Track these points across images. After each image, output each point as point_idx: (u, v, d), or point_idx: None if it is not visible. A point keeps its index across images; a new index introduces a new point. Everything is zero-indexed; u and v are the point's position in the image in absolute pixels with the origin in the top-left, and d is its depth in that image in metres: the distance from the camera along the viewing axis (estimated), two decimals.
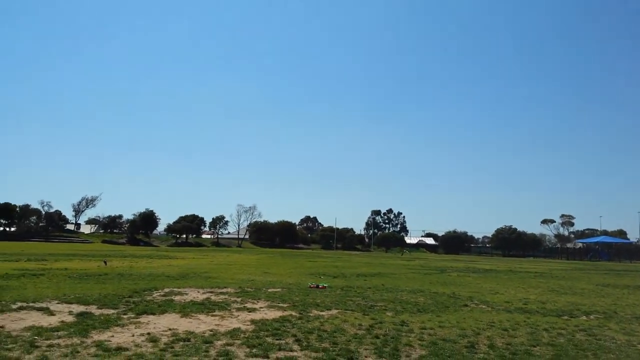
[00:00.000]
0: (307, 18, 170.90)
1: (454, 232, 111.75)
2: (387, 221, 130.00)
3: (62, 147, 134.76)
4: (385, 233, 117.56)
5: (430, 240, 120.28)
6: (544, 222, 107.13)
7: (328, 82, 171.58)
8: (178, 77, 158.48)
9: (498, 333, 7.84)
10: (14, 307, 8.61)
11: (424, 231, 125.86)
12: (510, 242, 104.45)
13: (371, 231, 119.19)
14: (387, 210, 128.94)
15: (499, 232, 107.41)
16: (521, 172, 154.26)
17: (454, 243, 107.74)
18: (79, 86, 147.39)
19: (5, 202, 76.41)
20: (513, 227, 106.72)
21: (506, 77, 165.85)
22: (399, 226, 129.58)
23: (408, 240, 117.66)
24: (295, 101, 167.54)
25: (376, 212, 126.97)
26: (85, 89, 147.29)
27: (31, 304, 8.99)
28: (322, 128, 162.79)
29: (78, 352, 5.56)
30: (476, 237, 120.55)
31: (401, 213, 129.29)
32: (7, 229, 77.35)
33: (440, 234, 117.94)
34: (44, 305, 8.95)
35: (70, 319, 7.69)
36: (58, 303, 9.31)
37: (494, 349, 6.61)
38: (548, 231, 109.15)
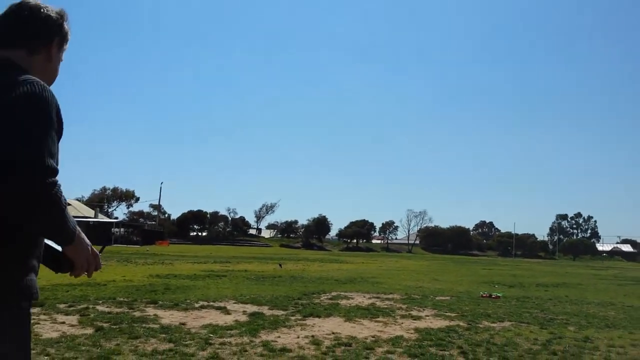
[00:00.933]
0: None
1: None
2: (574, 226, 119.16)
3: (247, 159, 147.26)
4: (572, 239, 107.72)
5: (627, 247, 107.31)
6: None
7: (500, 76, 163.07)
8: (344, 80, 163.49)
9: None
10: (197, 305, 9.41)
11: (619, 237, 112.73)
12: None
13: (556, 237, 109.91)
14: (575, 214, 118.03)
15: None
16: None
17: None
18: (258, 103, 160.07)
19: (198, 210, 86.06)
20: None
21: None
22: (589, 232, 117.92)
23: (600, 247, 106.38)
24: (463, 100, 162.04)
25: (562, 217, 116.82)
26: (254, 102, 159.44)
27: (212, 303, 9.76)
28: (497, 125, 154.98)
29: (246, 350, 5.83)
30: None
31: (592, 217, 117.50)
32: (200, 233, 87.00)
33: (639, 240, 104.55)
34: (222, 304, 9.65)
35: (243, 318, 8.17)
36: (235, 303, 9.98)
37: None
38: None
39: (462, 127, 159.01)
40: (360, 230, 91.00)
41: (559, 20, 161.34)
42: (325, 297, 11.68)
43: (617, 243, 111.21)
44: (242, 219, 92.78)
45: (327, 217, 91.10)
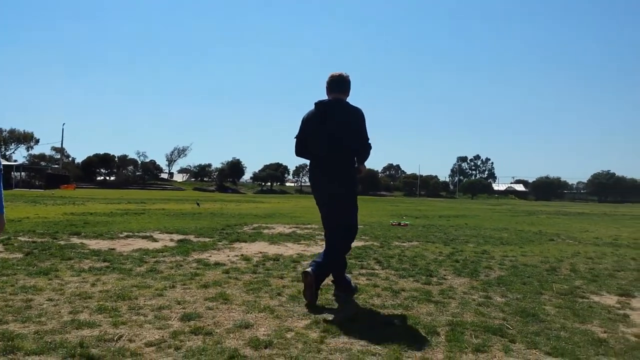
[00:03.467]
0: None
1: (546, 177, 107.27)
2: (473, 167, 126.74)
3: (156, 100, 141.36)
4: (471, 180, 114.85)
5: (520, 187, 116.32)
6: None
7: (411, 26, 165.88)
8: (259, 27, 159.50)
9: (582, 260, 7.74)
10: (122, 235, 9.53)
11: (513, 178, 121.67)
12: (607, 188, 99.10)
13: (456, 178, 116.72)
14: (474, 157, 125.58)
15: (595, 177, 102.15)
16: (618, 111, 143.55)
17: (546, 189, 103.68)
18: (164, 41, 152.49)
19: (105, 153, 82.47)
20: (611, 171, 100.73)
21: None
22: (486, 173, 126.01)
23: (496, 187, 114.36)
24: (377, 51, 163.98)
25: (462, 159, 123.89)
26: (165, 43, 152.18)
27: (136, 234, 9.92)
28: (403, 76, 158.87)
29: (181, 265, 6.19)
30: (570, 182, 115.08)
31: (489, 159, 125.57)
32: (107, 178, 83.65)
33: (531, 180, 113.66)
34: (147, 234, 9.85)
35: (171, 244, 8.45)
36: (160, 233, 10.20)
37: (575, 272, 6.56)
38: None
39: (374, 71, 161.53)
40: (274, 173, 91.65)
41: None
42: (248, 227, 12.14)
43: (511, 183, 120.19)
44: (152, 162, 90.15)
45: (241, 160, 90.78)
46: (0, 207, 3.17)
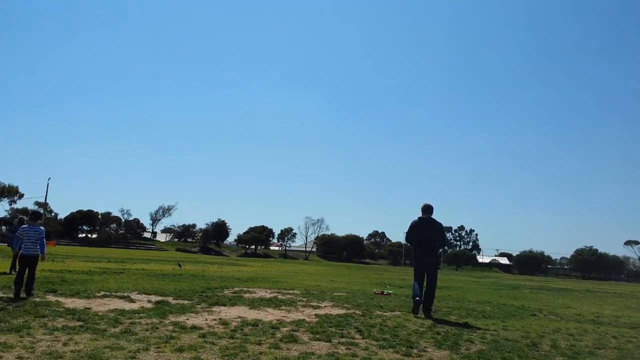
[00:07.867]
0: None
1: (530, 251, 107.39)
2: (458, 238, 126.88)
3: (143, 159, 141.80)
4: (455, 250, 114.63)
5: (504, 260, 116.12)
6: (628, 243, 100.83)
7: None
8: (244, 90, 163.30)
9: (563, 337, 7.69)
10: (98, 295, 9.34)
11: (497, 250, 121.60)
12: (590, 264, 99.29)
13: (441, 249, 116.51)
14: (458, 227, 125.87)
15: (579, 253, 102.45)
16: (602, 190, 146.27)
17: (530, 263, 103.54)
18: (154, 102, 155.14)
19: (88, 210, 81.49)
20: (594, 248, 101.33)
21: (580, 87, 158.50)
22: (470, 244, 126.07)
23: (480, 259, 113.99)
24: (358, 112, 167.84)
25: (447, 229, 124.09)
26: (156, 104, 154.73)
27: (114, 293, 9.72)
28: (392, 142, 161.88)
29: (157, 328, 6.05)
30: (554, 257, 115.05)
31: (473, 230, 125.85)
32: (89, 235, 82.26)
33: (515, 253, 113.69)
34: (125, 294, 9.65)
35: (149, 305, 8.28)
36: (138, 294, 10.00)
37: (556, 348, 6.52)
38: (632, 253, 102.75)
39: (355, 142, 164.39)
40: (259, 236, 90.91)
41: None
42: (229, 291, 11.95)
43: (496, 256, 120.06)
44: (136, 221, 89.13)
45: (226, 221, 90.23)
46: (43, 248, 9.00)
